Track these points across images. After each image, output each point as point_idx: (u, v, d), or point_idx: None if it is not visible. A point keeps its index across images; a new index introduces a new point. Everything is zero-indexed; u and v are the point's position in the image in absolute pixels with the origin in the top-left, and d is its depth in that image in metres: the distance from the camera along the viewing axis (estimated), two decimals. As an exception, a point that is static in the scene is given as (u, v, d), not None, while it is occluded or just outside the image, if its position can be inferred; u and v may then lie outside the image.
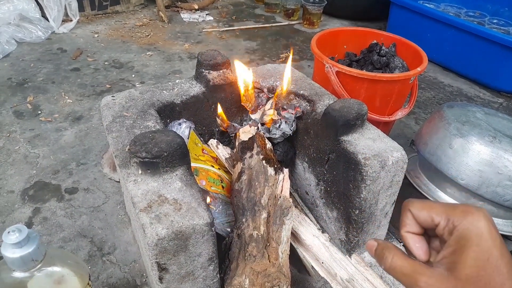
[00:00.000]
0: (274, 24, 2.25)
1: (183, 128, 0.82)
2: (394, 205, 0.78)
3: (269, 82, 0.92)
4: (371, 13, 2.34)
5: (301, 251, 0.78)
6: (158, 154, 0.58)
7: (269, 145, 0.82)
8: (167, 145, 0.59)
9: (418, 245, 0.33)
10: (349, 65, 1.21)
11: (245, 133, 0.84)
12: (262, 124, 0.87)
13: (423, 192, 0.94)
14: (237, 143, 0.84)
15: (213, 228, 0.55)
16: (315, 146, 0.82)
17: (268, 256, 0.63)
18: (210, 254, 0.58)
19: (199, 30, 2.10)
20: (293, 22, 2.29)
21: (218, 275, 0.61)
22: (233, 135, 0.88)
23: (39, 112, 1.33)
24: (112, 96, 0.82)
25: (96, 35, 1.94)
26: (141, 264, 0.84)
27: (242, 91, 0.88)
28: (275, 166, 0.77)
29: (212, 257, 0.58)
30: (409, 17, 1.89)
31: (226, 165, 0.84)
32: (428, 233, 0.33)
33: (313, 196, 0.87)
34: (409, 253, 0.33)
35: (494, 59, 1.62)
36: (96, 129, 1.26)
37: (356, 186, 0.70)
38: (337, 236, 0.82)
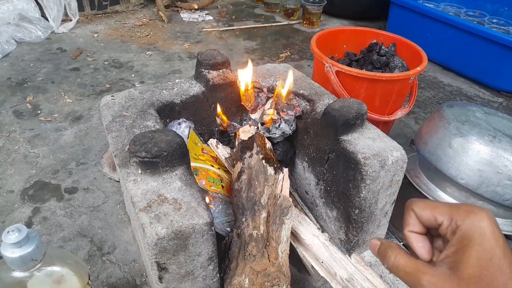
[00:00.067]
0: (273, 24, 2.25)
1: (183, 128, 0.82)
2: (393, 204, 0.78)
3: (268, 82, 0.92)
4: (370, 13, 2.34)
5: (300, 251, 0.78)
6: (157, 153, 0.58)
7: (268, 144, 0.82)
8: (167, 144, 0.59)
9: (421, 245, 0.33)
10: (349, 65, 1.21)
11: (244, 132, 0.84)
12: (262, 124, 0.87)
13: (422, 192, 0.94)
14: (236, 143, 0.84)
15: (212, 228, 0.55)
16: (315, 146, 0.82)
17: (268, 255, 0.63)
18: (209, 254, 0.58)
19: (199, 30, 2.10)
20: (292, 22, 2.29)
21: (217, 275, 0.61)
22: (233, 134, 0.88)
23: (39, 112, 1.33)
24: (111, 96, 0.82)
25: (95, 35, 1.94)
26: (141, 263, 0.84)
27: (242, 90, 0.88)
28: (275, 165, 0.77)
29: (212, 256, 0.58)
30: (409, 17, 1.89)
31: (226, 164, 0.84)
32: (431, 232, 0.34)
33: (312, 196, 0.87)
34: (412, 253, 0.33)
35: (494, 59, 1.62)
36: (95, 129, 1.26)
37: (356, 185, 0.70)
38: (337, 235, 0.82)
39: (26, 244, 0.47)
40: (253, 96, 0.90)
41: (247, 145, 0.80)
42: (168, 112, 0.83)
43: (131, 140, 0.61)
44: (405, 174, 0.75)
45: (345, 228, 0.78)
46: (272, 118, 0.85)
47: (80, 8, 2.04)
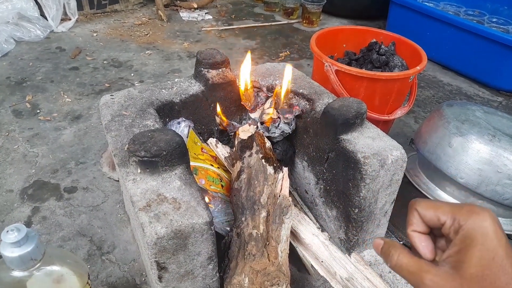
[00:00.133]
0: (273, 23, 2.25)
1: (182, 127, 0.82)
2: (393, 203, 0.78)
3: (268, 81, 0.92)
4: (370, 12, 2.34)
5: (300, 250, 0.78)
6: (157, 153, 0.58)
7: (268, 144, 0.82)
8: (166, 144, 0.59)
9: (424, 244, 0.33)
10: (349, 64, 1.21)
11: (244, 132, 0.84)
12: (262, 123, 0.87)
13: (422, 191, 0.94)
14: (236, 142, 0.84)
15: (212, 227, 0.55)
16: (315, 145, 0.82)
17: (268, 255, 0.63)
18: (209, 253, 0.58)
19: (198, 29, 2.10)
20: (292, 21, 2.28)
21: (217, 274, 0.61)
22: (232, 134, 0.88)
23: (38, 111, 1.33)
24: (111, 95, 0.82)
25: (95, 34, 1.94)
26: (141, 263, 0.84)
27: (241, 89, 0.88)
28: (275, 165, 0.77)
29: (212, 256, 0.58)
30: (409, 16, 1.89)
31: (226, 164, 0.84)
32: (434, 233, 0.34)
33: (312, 195, 0.87)
34: (415, 252, 0.33)
35: (494, 58, 1.62)
36: (95, 128, 1.26)
37: (356, 185, 0.70)
38: (336, 235, 0.82)
39: (26, 243, 0.47)
40: (252, 95, 0.90)
41: (246, 145, 0.80)
42: (167, 111, 0.83)
43: (131, 140, 0.61)
44: (404, 173, 0.75)
45: (345, 228, 0.78)
46: (271, 118, 0.85)
47: (79, 7, 2.04)
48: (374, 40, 1.26)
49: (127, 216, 0.95)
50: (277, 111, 0.87)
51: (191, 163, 0.70)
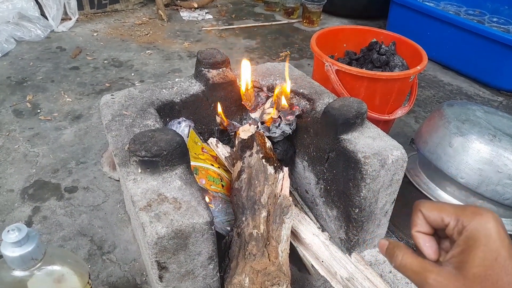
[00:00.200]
0: (273, 23, 2.25)
1: (183, 127, 0.82)
2: (393, 203, 0.78)
3: (268, 81, 0.92)
4: (370, 12, 2.34)
5: (301, 250, 0.78)
6: (157, 153, 0.58)
7: (268, 143, 0.82)
8: (167, 143, 0.59)
9: (428, 245, 0.33)
10: (349, 64, 1.21)
11: (244, 131, 0.84)
12: (262, 123, 0.87)
13: (422, 191, 0.94)
14: (236, 142, 0.84)
15: (213, 227, 0.55)
16: (315, 145, 0.82)
17: (268, 254, 0.63)
18: (210, 253, 0.58)
19: (199, 29, 2.10)
20: (292, 21, 2.28)
21: (218, 274, 0.61)
22: (233, 133, 0.88)
23: (39, 111, 1.33)
24: (111, 95, 0.82)
25: (95, 34, 1.94)
26: (141, 263, 0.84)
27: (242, 89, 0.88)
28: (275, 164, 0.77)
29: (212, 255, 0.58)
30: (409, 16, 1.89)
31: (226, 163, 0.84)
32: (438, 234, 0.34)
33: (313, 195, 0.87)
34: (419, 252, 0.34)
35: (494, 58, 1.62)
36: (95, 128, 1.26)
37: (356, 184, 0.70)
38: (337, 234, 0.82)
39: (26, 243, 0.47)
40: (253, 95, 0.90)
41: (247, 144, 0.80)
42: (168, 111, 0.83)
43: (131, 139, 0.61)
44: (405, 173, 0.75)
45: (345, 227, 0.78)
46: (272, 117, 0.85)
47: (80, 7, 2.04)
48: (375, 39, 1.26)
49: (128, 216, 0.95)
50: (278, 111, 0.87)
51: (192, 163, 0.70)
